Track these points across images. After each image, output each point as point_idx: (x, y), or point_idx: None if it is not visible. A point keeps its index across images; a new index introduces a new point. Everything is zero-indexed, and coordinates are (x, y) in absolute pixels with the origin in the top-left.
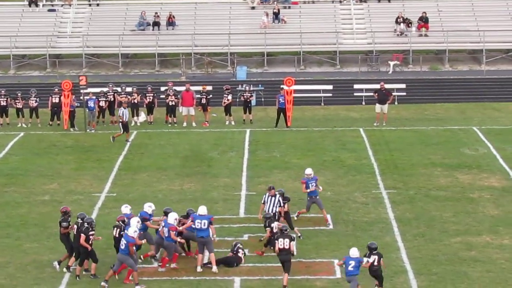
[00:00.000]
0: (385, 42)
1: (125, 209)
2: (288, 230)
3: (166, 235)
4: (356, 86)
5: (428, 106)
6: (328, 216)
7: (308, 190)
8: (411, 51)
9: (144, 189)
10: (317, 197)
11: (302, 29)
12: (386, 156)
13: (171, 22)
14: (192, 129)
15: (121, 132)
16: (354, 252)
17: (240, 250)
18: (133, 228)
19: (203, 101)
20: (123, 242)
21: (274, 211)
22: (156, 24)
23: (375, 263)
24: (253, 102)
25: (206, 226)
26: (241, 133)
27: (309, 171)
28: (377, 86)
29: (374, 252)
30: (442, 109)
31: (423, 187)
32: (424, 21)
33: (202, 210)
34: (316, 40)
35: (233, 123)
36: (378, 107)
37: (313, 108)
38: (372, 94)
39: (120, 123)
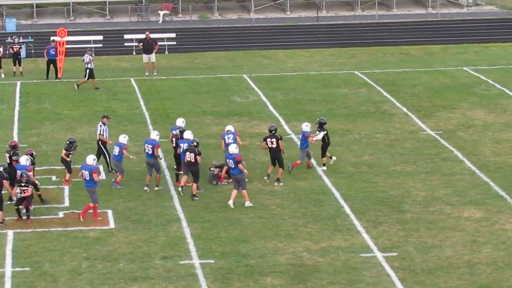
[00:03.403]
0: None
1: (123, 139)
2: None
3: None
4: (126, 36)
5: (198, 55)
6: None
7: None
8: (180, 0)
9: None
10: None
11: None
12: (158, 105)
13: None
14: None
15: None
16: (304, 126)
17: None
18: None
19: None
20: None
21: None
22: None
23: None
24: (23, 54)
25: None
26: (11, 86)
27: (229, 126)
28: None
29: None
30: (212, 57)
31: (194, 135)
32: None
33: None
34: None
35: (3, 75)
36: (145, 57)
37: None
38: (137, 44)
39: None
